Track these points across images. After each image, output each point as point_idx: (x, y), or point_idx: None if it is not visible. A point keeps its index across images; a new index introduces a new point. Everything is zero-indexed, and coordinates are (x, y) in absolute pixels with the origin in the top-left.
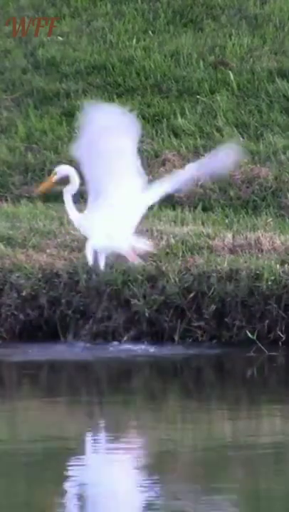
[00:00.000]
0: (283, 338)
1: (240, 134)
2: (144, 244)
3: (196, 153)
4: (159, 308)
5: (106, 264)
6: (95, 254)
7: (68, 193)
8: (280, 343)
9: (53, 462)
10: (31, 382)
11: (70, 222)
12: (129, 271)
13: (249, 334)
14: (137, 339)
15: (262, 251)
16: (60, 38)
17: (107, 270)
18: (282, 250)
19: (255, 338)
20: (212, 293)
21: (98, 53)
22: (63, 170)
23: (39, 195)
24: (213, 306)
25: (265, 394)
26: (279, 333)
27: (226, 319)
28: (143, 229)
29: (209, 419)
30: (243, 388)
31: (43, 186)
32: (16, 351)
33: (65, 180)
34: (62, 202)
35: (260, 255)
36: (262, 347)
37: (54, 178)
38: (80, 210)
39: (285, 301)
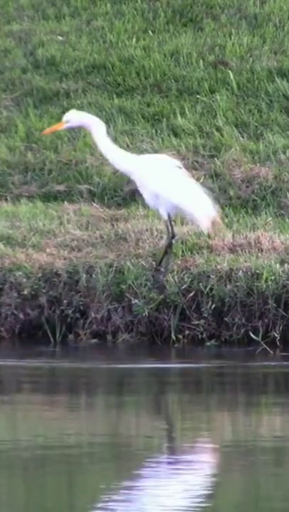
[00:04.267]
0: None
1: (240, 133)
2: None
3: (196, 153)
4: (158, 308)
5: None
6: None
7: (99, 137)
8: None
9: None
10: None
11: (69, 221)
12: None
13: (253, 336)
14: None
15: (262, 250)
16: (60, 38)
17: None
18: (282, 250)
19: (260, 339)
20: (212, 292)
21: (98, 53)
22: (76, 120)
23: (45, 135)
24: (213, 306)
25: None
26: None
27: (225, 318)
28: (143, 228)
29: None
30: None
31: (50, 130)
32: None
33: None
34: (62, 202)
35: (259, 255)
36: (267, 347)
37: (63, 126)
38: None
39: (285, 300)
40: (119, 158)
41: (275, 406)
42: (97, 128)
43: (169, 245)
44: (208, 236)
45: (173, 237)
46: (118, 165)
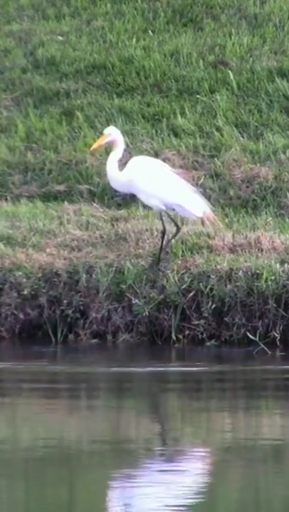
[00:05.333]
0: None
1: (240, 133)
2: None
3: (196, 153)
4: (158, 308)
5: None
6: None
7: (115, 157)
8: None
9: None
10: None
11: (69, 222)
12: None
13: (249, 335)
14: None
15: (262, 250)
16: (60, 38)
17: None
18: (282, 250)
19: (257, 338)
20: (212, 292)
21: (98, 53)
22: (114, 134)
23: (92, 153)
24: (213, 306)
25: None
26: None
27: (225, 318)
28: (143, 228)
29: None
30: None
31: (96, 145)
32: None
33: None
34: (62, 202)
35: (259, 255)
36: (264, 347)
37: (106, 140)
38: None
39: (285, 300)
40: (117, 182)
41: (275, 414)
42: (120, 149)
43: (163, 233)
44: (208, 236)
45: (164, 231)
46: (115, 186)
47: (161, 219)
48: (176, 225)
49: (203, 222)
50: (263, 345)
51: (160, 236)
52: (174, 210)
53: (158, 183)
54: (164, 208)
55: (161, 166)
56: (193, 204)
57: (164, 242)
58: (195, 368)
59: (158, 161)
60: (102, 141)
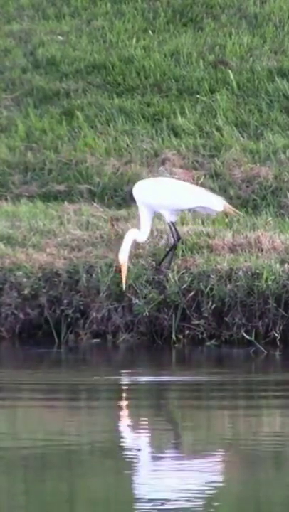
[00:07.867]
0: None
1: (240, 133)
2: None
3: (196, 153)
4: (159, 308)
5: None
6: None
7: (133, 237)
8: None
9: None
10: None
11: (69, 221)
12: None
13: (245, 335)
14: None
15: (262, 250)
16: (60, 38)
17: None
18: (282, 249)
19: (253, 338)
20: (212, 292)
21: (98, 52)
22: (126, 254)
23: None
24: (213, 305)
25: None
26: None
27: (225, 318)
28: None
29: None
30: None
31: (124, 280)
32: None
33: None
34: (62, 201)
35: (259, 254)
36: (261, 347)
37: (125, 267)
38: None
39: (285, 300)
40: (146, 234)
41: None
42: (134, 237)
43: (174, 247)
44: (208, 235)
45: (178, 239)
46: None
47: (174, 228)
48: (177, 237)
49: (226, 214)
50: (260, 346)
51: (172, 243)
52: (195, 212)
53: (173, 196)
54: (170, 220)
55: (164, 179)
56: (212, 201)
57: (172, 253)
58: (195, 378)
59: (156, 178)
60: (125, 271)
